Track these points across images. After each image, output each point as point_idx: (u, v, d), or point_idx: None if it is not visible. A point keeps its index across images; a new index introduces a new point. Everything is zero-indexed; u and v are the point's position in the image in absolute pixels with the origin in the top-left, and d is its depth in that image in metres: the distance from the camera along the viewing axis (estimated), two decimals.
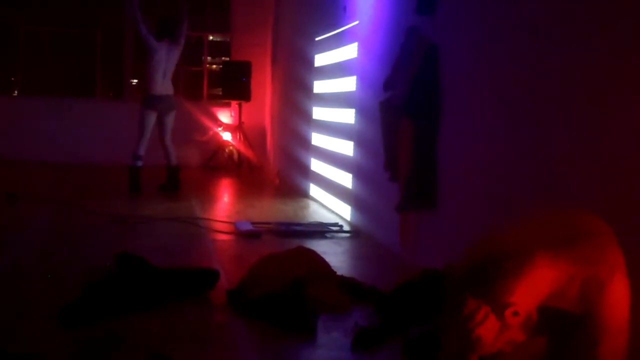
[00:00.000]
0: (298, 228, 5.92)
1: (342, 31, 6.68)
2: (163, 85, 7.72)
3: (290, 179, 8.75)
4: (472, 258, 2.01)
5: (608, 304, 1.99)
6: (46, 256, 4.60)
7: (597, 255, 2.00)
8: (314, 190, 7.78)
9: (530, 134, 3.33)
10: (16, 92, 11.35)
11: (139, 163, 7.63)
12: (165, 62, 7.69)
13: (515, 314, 1.95)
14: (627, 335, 2.02)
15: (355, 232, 5.87)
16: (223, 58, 11.69)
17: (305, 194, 8.01)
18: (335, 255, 4.92)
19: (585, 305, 2.00)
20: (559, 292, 1.99)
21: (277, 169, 9.52)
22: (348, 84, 6.44)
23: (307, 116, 8.09)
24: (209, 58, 11.83)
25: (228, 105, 11.12)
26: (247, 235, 5.55)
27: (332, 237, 5.70)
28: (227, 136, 10.89)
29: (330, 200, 7.06)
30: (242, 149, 10.59)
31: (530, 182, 3.31)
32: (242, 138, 10.57)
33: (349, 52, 6.45)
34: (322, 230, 5.88)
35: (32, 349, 2.89)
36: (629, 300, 2.03)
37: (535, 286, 1.96)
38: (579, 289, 1.99)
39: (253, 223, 5.92)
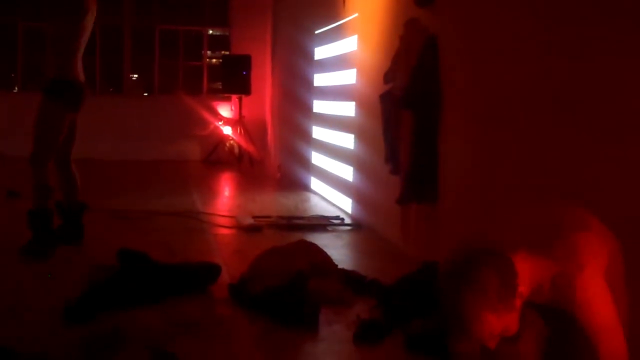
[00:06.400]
0: (299, 221, 5.92)
1: (342, 24, 6.66)
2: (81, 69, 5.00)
3: (291, 172, 8.74)
4: (457, 254, 2.02)
5: (581, 301, 1.97)
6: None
7: (568, 252, 2.00)
8: (315, 183, 7.77)
9: (531, 127, 3.32)
10: (16, 88, 11.33)
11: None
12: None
13: (520, 295, 1.96)
14: (621, 336, 1.99)
15: (357, 225, 5.86)
16: (223, 52, 11.67)
17: (306, 187, 8.00)
18: (336, 248, 4.92)
19: (559, 301, 2.01)
20: (537, 289, 2.01)
21: (278, 163, 9.52)
22: (348, 77, 6.42)
23: (307, 109, 8.07)
24: (208, 52, 11.81)
25: (228, 99, 11.10)
26: (248, 229, 5.55)
27: (333, 231, 5.70)
28: (227, 130, 10.87)
29: (331, 193, 7.06)
30: (243, 143, 10.57)
31: (532, 175, 3.30)
32: (242, 132, 10.55)
33: (349, 44, 6.43)
34: (323, 224, 5.88)
35: (35, 347, 2.89)
36: (609, 299, 1.98)
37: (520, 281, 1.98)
38: (551, 285, 2.00)
39: (254, 217, 5.92)
